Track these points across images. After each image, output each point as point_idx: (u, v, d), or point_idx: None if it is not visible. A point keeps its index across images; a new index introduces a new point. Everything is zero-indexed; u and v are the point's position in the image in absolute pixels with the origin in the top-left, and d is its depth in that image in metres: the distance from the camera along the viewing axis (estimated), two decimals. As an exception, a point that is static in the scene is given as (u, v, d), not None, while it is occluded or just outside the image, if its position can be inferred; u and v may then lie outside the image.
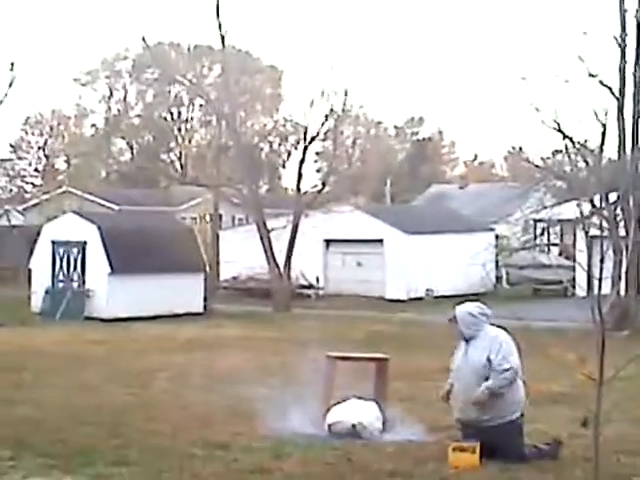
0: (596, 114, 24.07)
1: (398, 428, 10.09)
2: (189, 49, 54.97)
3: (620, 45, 24.12)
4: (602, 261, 7.97)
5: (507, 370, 8.60)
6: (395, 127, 79.28)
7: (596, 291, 7.09)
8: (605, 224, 24.47)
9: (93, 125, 69.00)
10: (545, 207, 30.48)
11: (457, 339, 9.14)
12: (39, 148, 67.68)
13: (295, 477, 8.02)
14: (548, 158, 34.30)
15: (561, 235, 39.29)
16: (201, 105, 59.40)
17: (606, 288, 24.24)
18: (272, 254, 31.33)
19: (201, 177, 45.62)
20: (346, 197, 49.38)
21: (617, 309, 22.16)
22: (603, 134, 24.66)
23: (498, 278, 37.50)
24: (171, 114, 65.44)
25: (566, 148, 26.41)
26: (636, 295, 23.70)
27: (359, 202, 51.37)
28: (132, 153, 67.63)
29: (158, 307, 26.37)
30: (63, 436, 9.68)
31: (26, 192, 64.26)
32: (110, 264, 26.63)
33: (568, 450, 9.08)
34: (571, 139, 25.11)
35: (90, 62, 79.68)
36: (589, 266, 26.21)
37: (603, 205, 24.45)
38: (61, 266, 27.96)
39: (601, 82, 23.88)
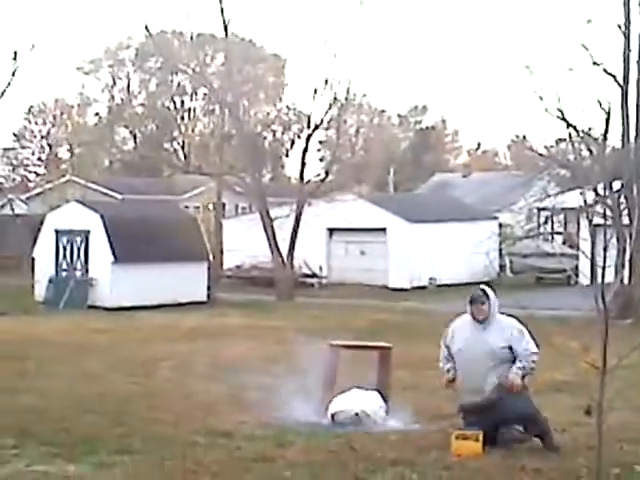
0: (600, 102, 24.02)
1: (401, 416, 10.09)
2: (192, 38, 54.74)
3: (624, 33, 24.03)
4: (605, 249, 7.94)
5: (535, 353, 8.73)
6: (398, 116, 79.20)
7: (600, 279, 7.07)
8: (609, 212, 24.44)
9: (96, 114, 68.97)
10: (549, 196, 30.43)
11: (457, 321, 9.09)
12: (42, 137, 67.65)
13: (298, 465, 8.02)
14: (552, 147, 34.23)
15: (565, 224, 39.26)
16: (204, 94, 59.35)
17: (610, 276, 24.20)
18: (275, 243, 31.33)
19: (204, 166, 45.57)
20: (349, 186, 49.39)
21: (621, 297, 22.11)
22: (607, 122, 24.59)
23: (501, 267, 37.49)
24: (174, 103, 65.35)
25: (570, 136, 26.34)
26: (640, 284, 23.67)
27: (362, 191, 51.33)
28: (135, 142, 67.58)
29: (161, 296, 26.40)
30: (66, 425, 9.70)
31: (29, 181, 64.33)
32: (113, 253, 26.65)
33: (571, 438, 9.09)
34: (575, 127, 25.03)
35: (93, 51, 79.91)
36: (593, 254, 26.20)
37: (607, 193, 24.40)
38: (64, 255, 27.99)
39: (605, 70, 23.81)
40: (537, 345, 8.84)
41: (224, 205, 44.14)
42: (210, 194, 43.64)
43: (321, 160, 64.20)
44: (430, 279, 34.62)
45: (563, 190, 29.46)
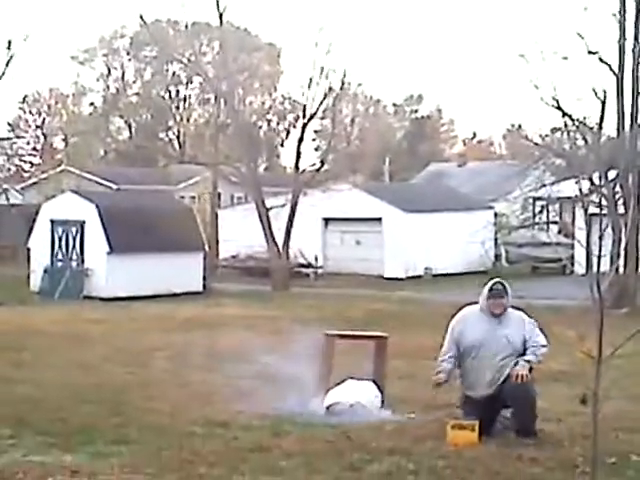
0: (595, 91, 24.02)
1: (397, 406, 10.11)
2: (187, 27, 54.64)
3: (619, 22, 24.02)
4: (601, 238, 7.96)
5: (544, 346, 8.73)
6: (394, 105, 79.13)
7: (595, 269, 7.07)
8: (604, 202, 24.46)
9: (91, 104, 68.83)
10: (544, 185, 30.43)
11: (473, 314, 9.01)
12: (37, 127, 67.54)
13: (294, 455, 8.04)
14: (547, 136, 34.19)
15: (560, 213, 39.27)
16: (199, 83, 59.25)
17: (605, 266, 24.25)
18: (271, 233, 31.32)
19: (200, 156, 45.62)
20: (345, 176, 49.35)
21: (616, 287, 22.16)
22: (602, 111, 24.61)
23: (497, 256, 37.52)
24: (169, 92, 65.24)
25: (565, 125, 26.36)
26: (635, 273, 23.71)
27: (358, 180, 51.32)
28: (130, 132, 67.49)
29: (157, 286, 26.40)
30: (63, 415, 9.70)
31: (24, 171, 64.23)
32: (109, 243, 26.64)
33: (567, 427, 9.11)
34: (570, 116, 25.05)
35: (88, 40, 79.43)
36: (588, 244, 26.26)
37: (602, 183, 24.42)
38: (60, 245, 27.97)
39: (600, 59, 23.80)
40: (546, 337, 8.82)
41: (219, 195, 44.12)
42: (205, 184, 43.63)
43: (316, 150, 64.24)
44: (426, 269, 34.65)
45: (558, 179, 29.47)
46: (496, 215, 38.61)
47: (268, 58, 62.42)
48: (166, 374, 12.97)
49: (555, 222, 39.66)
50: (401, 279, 33.39)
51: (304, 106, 32.53)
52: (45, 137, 67.69)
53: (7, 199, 44.39)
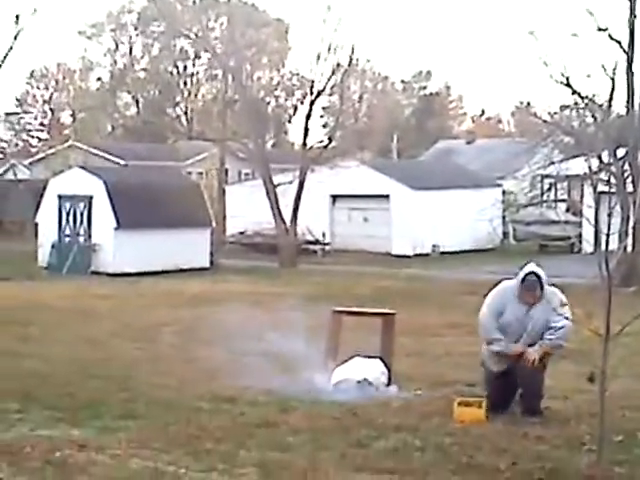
0: (605, 69, 23.88)
1: (404, 383, 10.11)
2: (195, 2, 54.41)
3: (630, -2, 23.85)
4: (610, 216, 7.91)
5: (562, 327, 8.58)
6: (402, 82, 78.80)
7: (603, 247, 7.05)
8: (613, 180, 24.37)
9: (99, 79, 68.70)
10: (553, 163, 30.35)
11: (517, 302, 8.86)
12: (44, 102, 67.45)
13: (301, 431, 8.05)
14: (555, 113, 34.06)
15: (568, 191, 39.16)
16: (207, 59, 59.04)
17: (613, 244, 24.19)
18: (278, 209, 31.29)
19: (207, 132, 45.51)
20: (352, 152, 49.21)
21: (624, 265, 22.09)
22: (612, 89, 24.48)
23: (505, 234, 37.47)
24: (177, 68, 65.07)
25: (575, 103, 26.24)
26: (643, 251, 23.63)
27: (365, 157, 51.19)
28: (138, 107, 67.36)
29: (164, 262, 26.43)
30: (70, 389, 9.73)
31: (32, 146, 64.19)
32: (116, 219, 26.66)
33: (574, 405, 9.11)
34: (579, 94, 24.92)
35: (95, 15, 79.29)
36: (596, 222, 26.18)
37: (611, 160, 24.32)
38: (67, 220, 28.00)
39: (610, 36, 23.64)
40: (568, 318, 8.66)
41: (227, 171, 44.06)
42: (213, 160, 43.56)
43: (324, 126, 64.00)
44: (433, 246, 34.62)
45: (567, 157, 29.38)
46: (504, 193, 38.50)
47: (276, 34, 62.13)
48: (173, 349, 13.00)
49: (563, 200, 39.56)
50: (408, 256, 33.36)
51: (312, 82, 32.42)
52: (53, 112, 67.62)
53: (15, 174, 44.42)
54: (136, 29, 65.83)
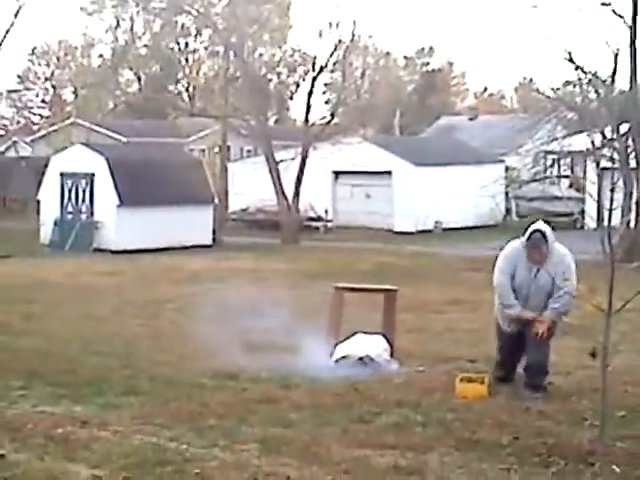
0: (608, 44, 23.77)
1: (406, 359, 10.12)
2: (196, -22, 54.22)
3: (634, -27, 23.70)
4: (612, 191, 7.89)
5: (568, 293, 8.55)
6: (405, 58, 78.49)
7: (606, 222, 7.03)
8: (616, 156, 24.30)
9: (100, 55, 68.46)
10: (555, 139, 30.23)
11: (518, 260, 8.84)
12: (46, 79, 67.27)
13: (303, 407, 8.06)
14: (559, 89, 33.89)
15: (571, 167, 39.07)
16: (209, 35, 58.79)
17: (616, 220, 24.16)
18: (281, 186, 31.25)
19: (209, 108, 45.32)
20: (355, 129, 49.03)
21: (627, 241, 22.08)
22: (615, 64, 24.37)
23: (507, 210, 37.39)
24: (178, 44, 64.80)
25: (578, 79, 26.12)
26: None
27: (368, 134, 51.06)
28: (139, 84, 67.17)
29: (167, 239, 26.42)
30: (73, 366, 9.75)
31: (34, 123, 64.10)
32: (119, 196, 26.63)
33: (576, 381, 9.11)
34: (583, 69, 24.81)
35: (96, -9, 78.68)
36: (599, 198, 26.13)
37: (614, 136, 24.24)
38: (69, 198, 27.98)
39: (614, 11, 23.53)
40: (570, 292, 8.60)
41: (229, 148, 43.95)
42: (215, 137, 43.45)
43: (327, 103, 63.76)
44: (436, 222, 34.58)
45: (570, 133, 29.27)
46: (507, 169, 38.41)
47: (278, 10, 61.70)
48: (175, 326, 13.01)
49: (566, 176, 39.47)
50: (411, 233, 33.33)
51: (314, 58, 32.29)
52: (54, 89, 67.45)
53: (16, 151, 44.36)
54: (137, 5, 65.35)
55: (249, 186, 36.20)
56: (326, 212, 35.89)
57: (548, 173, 38.66)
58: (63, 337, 11.80)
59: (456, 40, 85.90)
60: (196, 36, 63.71)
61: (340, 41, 31.64)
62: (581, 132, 27.06)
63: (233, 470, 6.36)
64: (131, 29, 67.09)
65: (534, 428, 7.41)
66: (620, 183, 22.81)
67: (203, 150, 44.90)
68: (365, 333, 10.30)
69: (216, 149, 43.18)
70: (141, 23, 66.86)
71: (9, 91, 64.11)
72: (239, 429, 7.37)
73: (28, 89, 66.70)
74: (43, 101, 67.42)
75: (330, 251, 26.66)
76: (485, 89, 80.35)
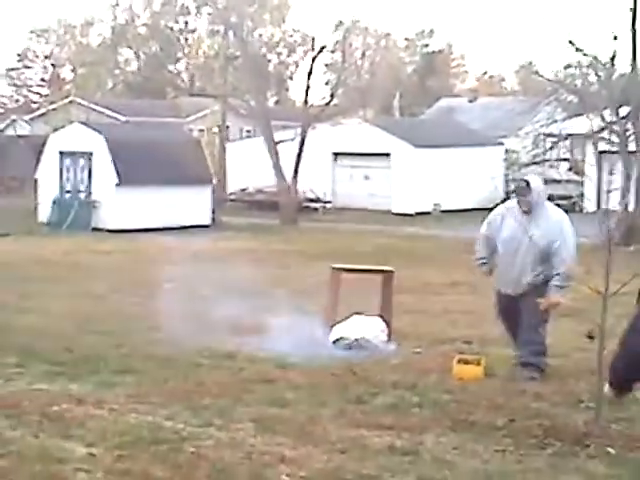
0: (609, 28, 23.68)
1: (403, 341, 10.12)
2: (196, -44, 54.07)
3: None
4: (611, 173, 7.87)
5: (566, 260, 8.49)
6: (405, 39, 78.22)
7: (604, 206, 7.02)
8: (615, 139, 24.26)
9: (100, 34, 68.27)
10: (555, 121, 30.19)
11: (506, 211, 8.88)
12: (45, 57, 67.07)
13: (299, 387, 8.06)
14: (559, 72, 33.81)
15: (571, 150, 39.00)
16: (209, 14, 58.63)
17: (614, 204, 24.16)
18: (279, 167, 31.20)
19: (208, 88, 45.23)
20: (355, 110, 48.97)
21: (624, 224, 22.08)
22: (615, 47, 24.30)
23: (507, 192, 37.34)
24: (178, 23, 64.62)
25: (578, 62, 26.06)
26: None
27: (367, 115, 50.96)
28: (139, 63, 66.98)
29: (165, 219, 26.39)
30: (69, 344, 9.74)
31: (33, 102, 63.91)
32: (117, 175, 26.58)
33: (573, 363, 9.11)
34: (583, 52, 24.74)
35: (96, -30, 78.43)
36: (599, 181, 26.11)
37: (614, 119, 24.19)
38: (68, 177, 27.93)
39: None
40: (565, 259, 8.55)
41: (228, 128, 43.85)
42: (214, 117, 43.33)
43: (327, 84, 63.65)
44: (434, 205, 34.54)
45: (570, 116, 29.23)
46: (506, 151, 38.35)
47: (277, -10, 61.66)
48: (173, 305, 12.97)
49: (566, 159, 39.41)
50: (410, 215, 33.30)
51: (313, 39, 32.20)
52: (53, 68, 67.25)
53: (15, 130, 44.23)
54: (137, -16, 65.29)
55: (248, 166, 36.13)
56: (325, 193, 35.84)
57: (547, 156, 38.62)
58: (60, 315, 11.79)
59: (457, 23, 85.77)
60: (196, 15, 63.57)
61: (340, 22, 31.56)
62: (581, 115, 27.02)
63: (228, 449, 6.35)
64: (130, 8, 66.91)
65: (530, 410, 7.40)
66: (619, 166, 22.80)
67: (202, 130, 44.78)
68: (362, 314, 10.29)
69: (215, 129, 43.07)
70: (141, 2, 66.77)
71: (8, 69, 63.94)
72: (235, 408, 7.37)
73: (27, 67, 66.51)
74: (42, 80, 67.23)
75: (329, 232, 26.65)
76: (485, 72, 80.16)
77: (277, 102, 65.11)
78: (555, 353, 9.24)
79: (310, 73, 32.77)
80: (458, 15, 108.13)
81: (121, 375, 8.46)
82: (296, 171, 31.41)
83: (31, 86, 66.88)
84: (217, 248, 21.71)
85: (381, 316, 10.27)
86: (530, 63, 60.14)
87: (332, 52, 40.33)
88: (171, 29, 64.14)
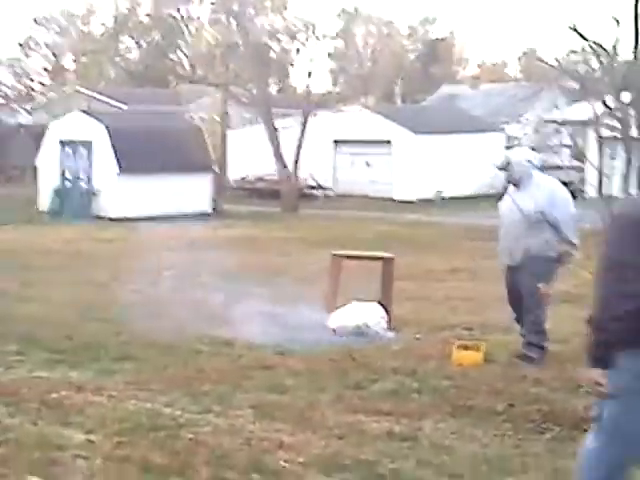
0: (612, 14, 23.61)
1: (403, 327, 10.11)
2: (197, -56, 53.80)
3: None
4: (613, 158, 7.86)
5: (572, 217, 8.71)
6: (408, 27, 78.02)
7: (605, 191, 7.00)
8: (617, 125, 24.20)
9: (102, 24, 68.11)
10: (557, 107, 30.12)
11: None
12: (47, 46, 66.94)
13: (298, 373, 8.06)
14: (562, 58, 33.73)
15: (573, 136, 38.93)
16: (210, 2, 58.46)
17: (615, 190, 24.13)
18: (280, 154, 31.17)
19: (210, 76, 45.10)
20: (356, 97, 48.85)
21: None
22: (618, 33, 24.22)
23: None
24: (179, 11, 64.41)
25: (581, 48, 25.99)
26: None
27: (369, 102, 50.83)
28: (140, 52, 66.83)
29: (166, 207, 26.38)
30: (69, 332, 9.74)
31: (34, 91, 63.81)
32: (118, 163, 26.57)
33: (572, 348, 9.10)
34: (586, 38, 24.67)
35: (97, -42, 78.16)
36: (600, 167, 26.07)
37: (616, 106, 24.13)
38: (69, 165, 27.91)
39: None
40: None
41: (229, 115, 43.75)
42: (215, 105, 43.25)
43: (329, 71, 63.50)
44: (436, 191, 34.50)
45: (572, 102, 29.17)
46: (508, 138, 38.29)
47: (279, -23, 61.41)
48: (173, 293, 12.97)
49: (567, 145, 39.35)
50: (411, 202, 33.26)
51: (314, 26, 32.10)
52: (55, 57, 67.13)
53: (16, 119, 44.19)
54: (138, -28, 65.10)
55: (249, 154, 36.10)
56: (326, 180, 35.80)
57: (549, 142, 38.57)
58: (61, 303, 11.79)
59: (459, 10, 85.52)
60: (197, 3, 63.33)
61: (343, 9, 31.47)
62: (583, 101, 26.96)
63: (227, 435, 6.35)
64: (132, -4, 66.71)
65: (529, 395, 7.40)
66: (621, 152, 22.76)
67: (203, 118, 44.70)
68: (362, 301, 10.28)
69: (216, 117, 43.00)
70: (142, -10, 66.52)
71: (10, 59, 63.82)
72: (234, 395, 7.37)
73: (29, 56, 66.40)
74: (44, 69, 67.11)
75: (330, 219, 26.63)
76: (488, 59, 80.00)
77: (281, 90, 64.96)
78: (555, 338, 9.23)
79: (312, 61, 32.75)
80: (461, 2, 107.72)
81: (121, 362, 8.47)
82: (297, 158, 31.38)
83: (33, 75, 66.77)
84: (218, 236, 21.71)
85: (381, 302, 10.26)
86: (533, 50, 60.06)
87: (334, 39, 40.25)
88: (173, 18, 63.96)
